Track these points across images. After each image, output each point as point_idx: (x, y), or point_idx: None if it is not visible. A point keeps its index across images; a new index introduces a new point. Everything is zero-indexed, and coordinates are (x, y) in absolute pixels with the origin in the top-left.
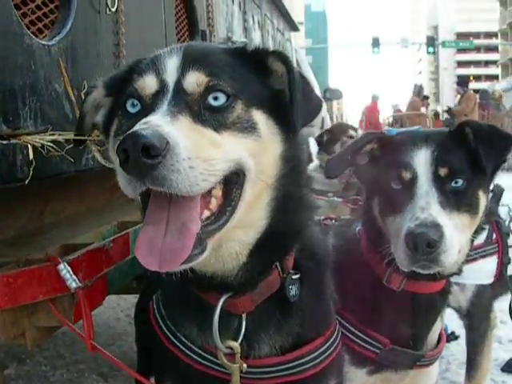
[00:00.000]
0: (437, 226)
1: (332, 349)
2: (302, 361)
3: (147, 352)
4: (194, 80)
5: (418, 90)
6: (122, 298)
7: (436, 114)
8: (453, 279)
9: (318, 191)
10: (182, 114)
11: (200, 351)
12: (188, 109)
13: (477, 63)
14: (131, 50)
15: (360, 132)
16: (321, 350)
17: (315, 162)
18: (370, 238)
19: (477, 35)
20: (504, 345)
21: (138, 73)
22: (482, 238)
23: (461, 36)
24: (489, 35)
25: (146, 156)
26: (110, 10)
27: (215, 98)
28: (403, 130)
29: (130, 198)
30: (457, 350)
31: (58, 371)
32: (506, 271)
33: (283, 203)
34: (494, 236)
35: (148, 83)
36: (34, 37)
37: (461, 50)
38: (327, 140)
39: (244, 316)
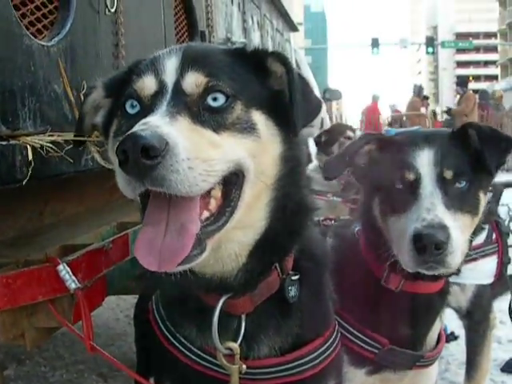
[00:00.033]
0: (444, 228)
1: (331, 349)
2: (302, 361)
3: (147, 353)
4: (193, 80)
5: (418, 90)
6: (122, 298)
7: (434, 114)
8: (453, 279)
9: (318, 192)
10: (181, 114)
11: (199, 352)
12: (187, 109)
13: (476, 63)
14: (130, 51)
15: (358, 133)
16: (320, 350)
17: (314, 163)
18: (369, 238)
19: (476, 35)
20: (503, 345)
21: (137, 74)
22: (481, 238)
23: (460, 36)
24: (488, 35)
25: (146, 157)
26: (109, 10)
27: (214, 99)
28: (402, 130)
29: (130, 198)
30: (456, 351)
31: (57, 372)
32: (506, 271)
33: (282, 204)
34: (494, 236)
35: (147, 84)
36: (33, 37)
37: (460, 51)
38: (325, 141)
39: (243, 317)
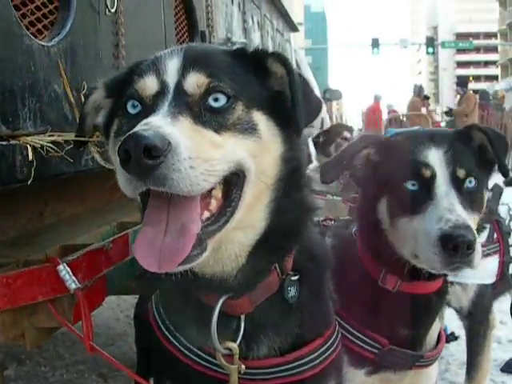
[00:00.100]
0: (469, 228)
1: (331, 349)
2: (301, 362)
3: (147, 353)
4: (195, 81)
5: (419, 90)
6: (122, 298)
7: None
8: (455, 279)
9: (318, 192)
10: (182, 114)
11: (199, 352)
12: (188, 110)
13: (476, 64)
14: (131, 51)
15: (355, 134)
16: (320, 350)
17: (314, 163)
18: (368, 240)
19: (476, 36)
20: (503, 345)
21: (138, 74)
22: (483, 238)
23: (460, 36)
24: (488, 36)
25: (148, 157)
26: (109, 10)
27: (216, 100)
28: (402, 130)
29: (130, 198)
30: (456, 351)
31: (57, 372)
32: (508, 270)
33: (283, 204)
34: (495, 235)
35: (148, 84)
36: (33, 38)
37: (460, 51)
38: (323, 141)
39: (242, 317)
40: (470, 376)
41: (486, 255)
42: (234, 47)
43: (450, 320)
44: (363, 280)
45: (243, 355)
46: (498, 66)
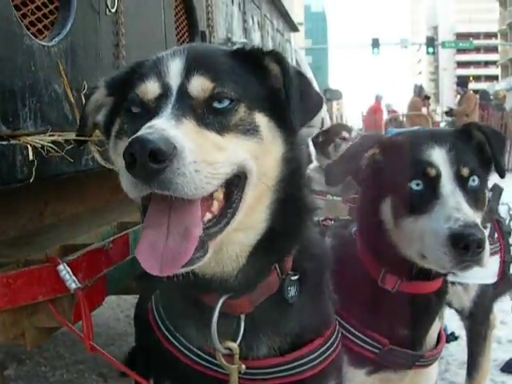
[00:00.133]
0: (478, 226)
1: (331, 349)
2: (301, 362)
3: (147, 353)
4: (199, 84)
5: (419, 90)
6: (122, 298)
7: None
8: (457, 279)
9: (318, 192)
10: (186, 117)
11: (199, 352)
12: (192, 112)
13: (476, 64)
14: (131, 51)
15: (354, 134)
16: (320, 350)
17: (314, 163)
18: (369, 240)
19: (476, 36)
20: (503, 345)
21: (140, 77)
22: None
23: (460, 36)
24: (488, 36)
25: (153, 161)
26: (109, 10)
27: (219, 102)
28: (402, 130)
29: (130, 198)
30: (456, 351)
31: (57, 372)
32: (509, 270)
33: (284, 205)
34: (496, 235)
35: (150, 88)
36: (33, 38)
37: (460, 51)
38: (322, 141)
39: (242, 317)
40: (470, 376)
41: None
42: (235, 47)
43: (451, 320)
44: (363, 280)
45: (243, 355)
46: (498, 66)
